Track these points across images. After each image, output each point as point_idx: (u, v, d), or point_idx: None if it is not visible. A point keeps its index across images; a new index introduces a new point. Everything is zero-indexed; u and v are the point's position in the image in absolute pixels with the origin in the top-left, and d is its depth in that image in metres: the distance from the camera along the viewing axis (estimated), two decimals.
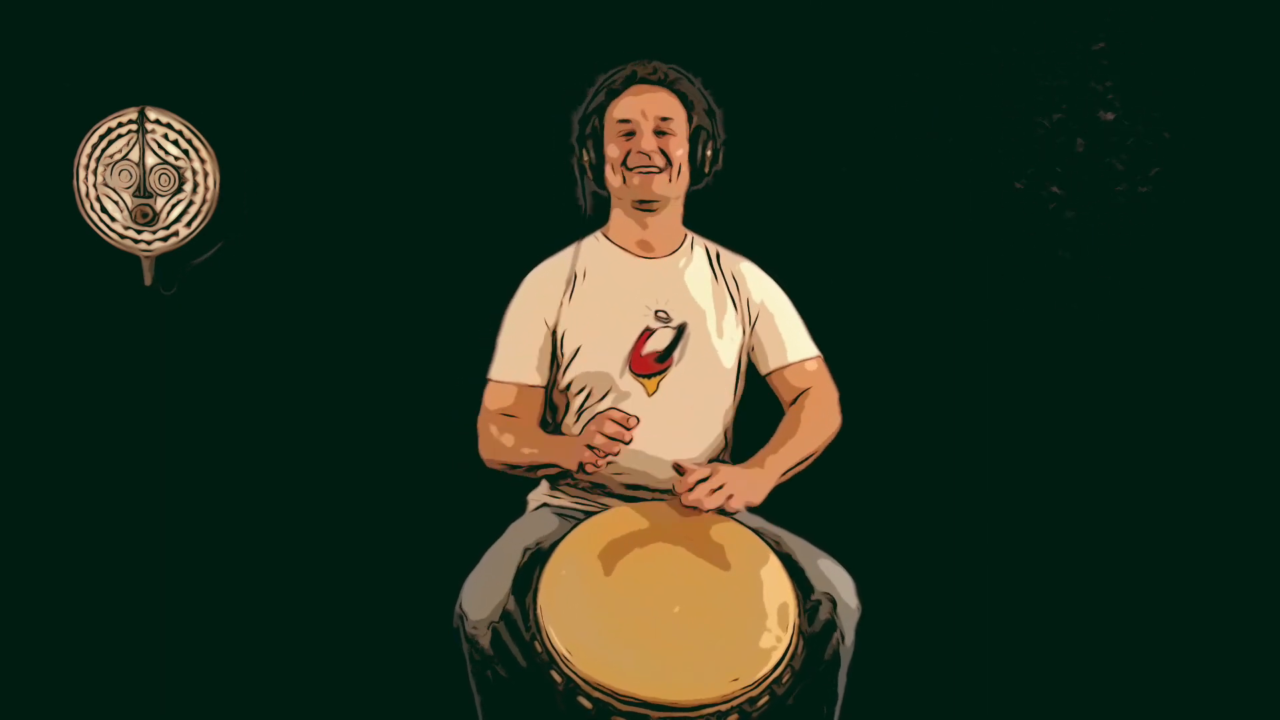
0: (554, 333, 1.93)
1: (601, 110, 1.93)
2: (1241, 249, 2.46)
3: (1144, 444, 2.50)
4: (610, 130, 1.91)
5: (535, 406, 1.94)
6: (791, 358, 1.99)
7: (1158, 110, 2.45)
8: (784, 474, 1.84)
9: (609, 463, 1.72)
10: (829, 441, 1.95)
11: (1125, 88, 2.45)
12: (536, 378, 1.92)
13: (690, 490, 1.72)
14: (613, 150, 1.91)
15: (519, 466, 1.87)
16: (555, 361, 1.94)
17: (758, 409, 2.01)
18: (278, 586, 2.49)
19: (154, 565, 2.49)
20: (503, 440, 1.87)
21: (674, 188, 1.93)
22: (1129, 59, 2.44)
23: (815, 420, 1.94)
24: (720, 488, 1.72)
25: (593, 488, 1.94)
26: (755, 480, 1.78)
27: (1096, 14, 2.44)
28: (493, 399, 1.93)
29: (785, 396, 2.00)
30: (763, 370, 2.01)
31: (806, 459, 1.90)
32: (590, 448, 1.69)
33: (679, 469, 1.78)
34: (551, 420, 2.00)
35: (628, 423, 1.68)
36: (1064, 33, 2.45)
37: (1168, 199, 2.46)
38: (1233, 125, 2.43)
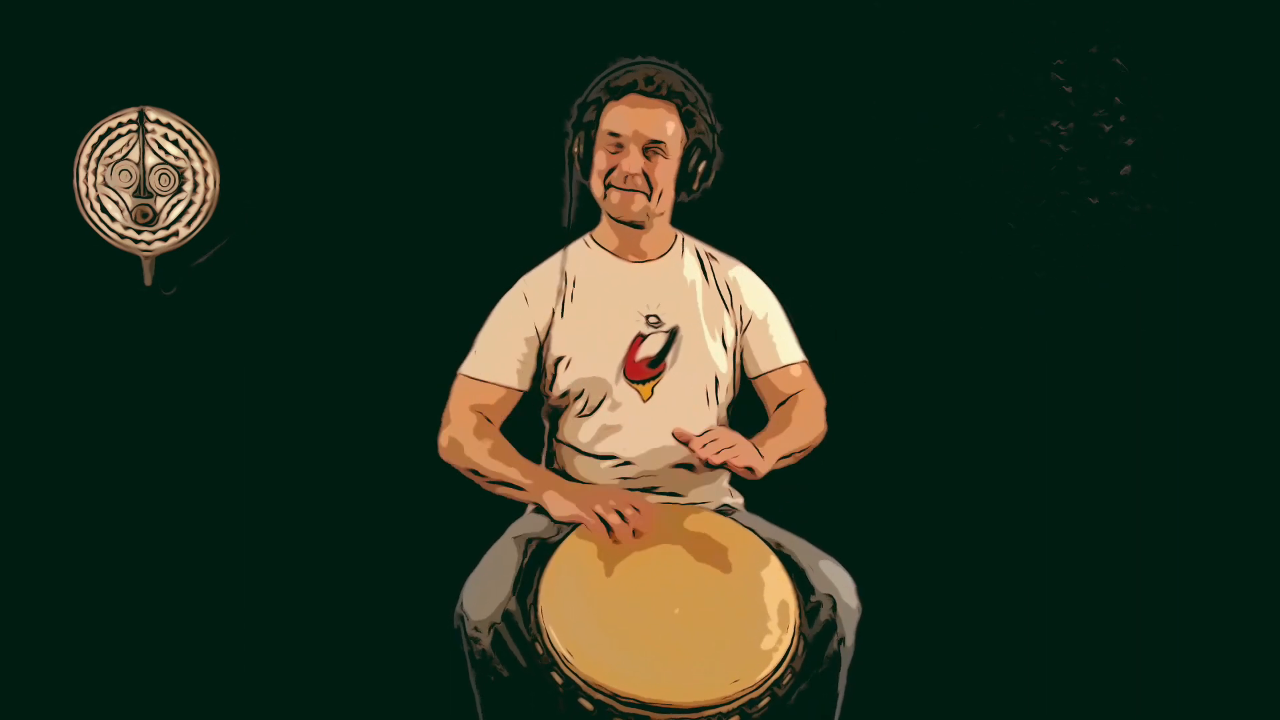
0: (543, 342, 1.91)
1: (600, 106, 1.87)
2: (1239, 249, 2.46)
3: (1143, 443, 2.50)
4: (601, 137, 1.86)
5: (507, 409, 1.91)
6: (780, 362, 1.99)
7: (1157, 112, 2.46)
8: (779, 459, 1.82)
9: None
10: (815, 444, 1.94)
11: (1122, 91, 2.45)
12: (516, 381, 1.90)
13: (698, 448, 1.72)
14: (599, 160, 1.87)
15: (483, 477, 1.83)
16: (540, 371, 1.93)
17: (754, 411, 2.01)
18: (278, 586, 2.49)
19: (154, 565, 2.49)
20: (478, 443, 1.84)
21: (653, 209, 1.88)
22: (1124, 60, 2.45)
23: (804, 420, 1.93)
24: (719, 440, 1.71)
25: None
26: (755, 450, 1.76)
27: (1093, 18, 2.44)
28: (465, 395, 1.89)
29: (771, 401, 1.99)
30: (751, 373, 2.00)
31: (798, 452, 1.89)
32: (604, 520, 1.71)
33: (678, 437, 1.76)
34: (549, 430, 2.00)
35: (643, 513, 1.72)
36: (1059, 36, 2.45)
37: (1164, 198, 2.47)
38: (1231, 126, 2.44)
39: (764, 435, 1.85)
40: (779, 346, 1.99)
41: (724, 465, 1.71)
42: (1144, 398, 2.50)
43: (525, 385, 1.92)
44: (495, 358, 1.91)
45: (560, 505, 1.76)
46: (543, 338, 1.91)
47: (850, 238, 2.49)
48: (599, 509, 1.72)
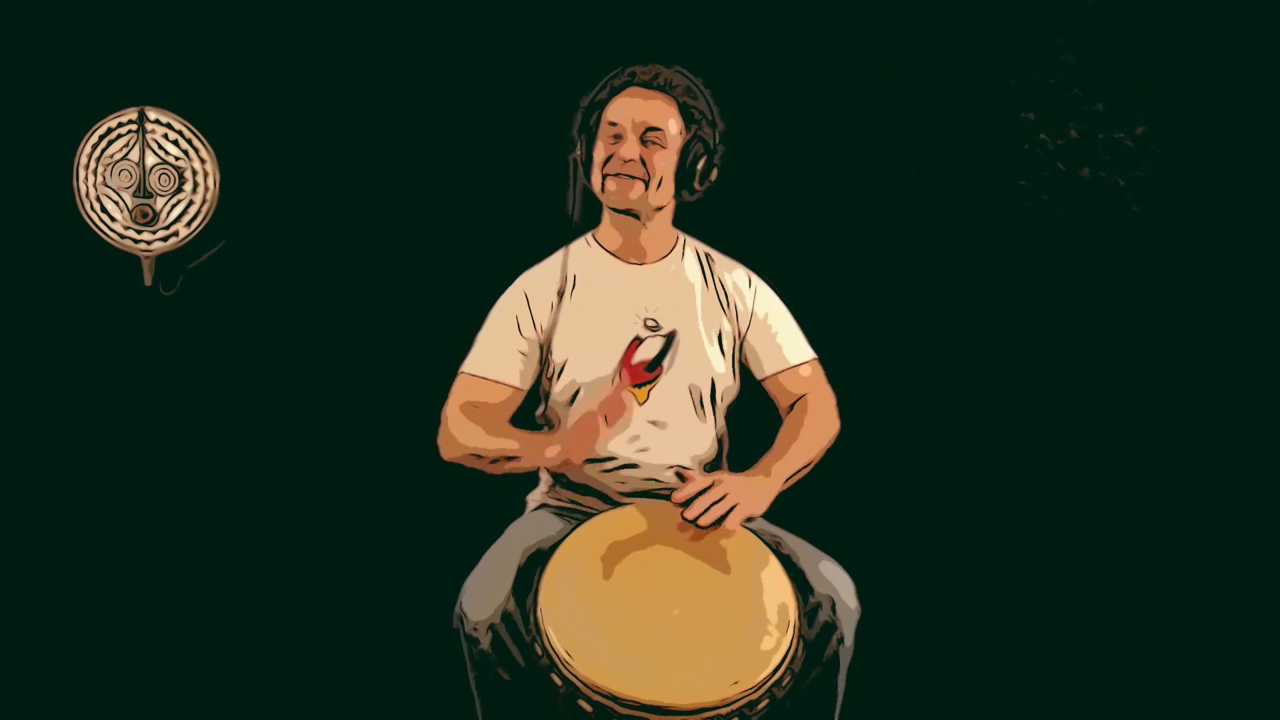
0: (543, 341, 1.91)
1: (601, 107, 1.88)
2: (1239, 250, 2.46)
3: (1142, 444, 2.50)
4: (602, 130, 1.88)
5: (509, 405, 1.90)
6: (787, 363, 1.98)
7: (1152, 113, 2.46)
8: (787, 481, 1.83)
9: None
10: (829, 446, 1.94)
11: (1121, 90, 2.45)
12: (515, 378, 1.89)
13: (689, 503, 1.69)
14: (599, 151, 1.87)
15: (484, 458, 1.81)
16: (542, 370, 1.93)
17: (754, 413, 2.01)
18: (278, 587, 2.49)
19: (154, 565, 2.50)
20: (472, 427, 1.82)
21: (651, 198, 1.87)
22: (1125, 60, 2.44)
23: (815, 426, 1.92)
24: (722, 499, 1.69)
25: (590, 493, 1.93)
26: (758, 489, 1.76)
27: (1092, 18, 2.43)
28: (464, 392, 1.88)
29: (782, 402, 1.99)
30: (758, 375, 1.99)
31: (807, 465, 1.88)
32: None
33: (681, 475, 1.77)
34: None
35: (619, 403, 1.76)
36: (1057, 36, 2.44)
37: (1164, 199, 2.47)
38: (1230, 126, 2.44)
39: (770, 456, 1.85)
40: (784, 347, 1.98)
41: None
42: (1144, 398, 2.50)
43: (526, 384, 1.92)
44: (496, 355, 1.90)
45: (550, 451, 1.75)
46: (544, 336, 1.91)
47: (850, 239, 2.49)
48: (589, 419, 1.75)
